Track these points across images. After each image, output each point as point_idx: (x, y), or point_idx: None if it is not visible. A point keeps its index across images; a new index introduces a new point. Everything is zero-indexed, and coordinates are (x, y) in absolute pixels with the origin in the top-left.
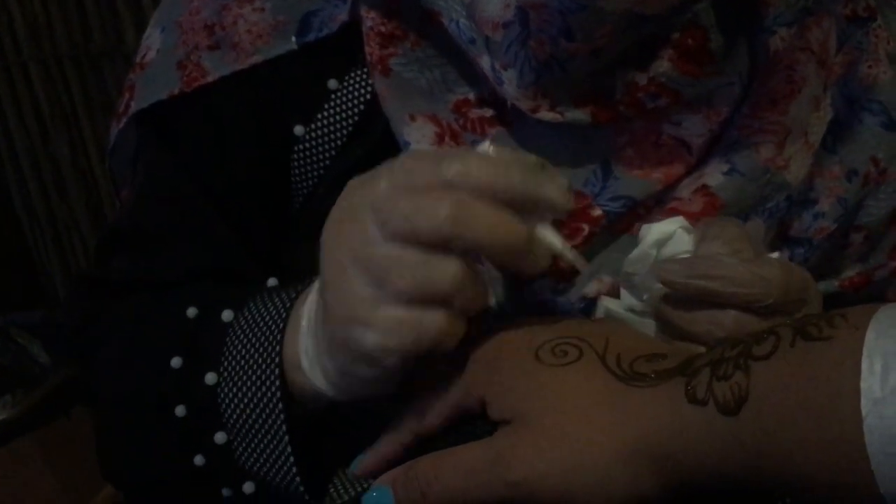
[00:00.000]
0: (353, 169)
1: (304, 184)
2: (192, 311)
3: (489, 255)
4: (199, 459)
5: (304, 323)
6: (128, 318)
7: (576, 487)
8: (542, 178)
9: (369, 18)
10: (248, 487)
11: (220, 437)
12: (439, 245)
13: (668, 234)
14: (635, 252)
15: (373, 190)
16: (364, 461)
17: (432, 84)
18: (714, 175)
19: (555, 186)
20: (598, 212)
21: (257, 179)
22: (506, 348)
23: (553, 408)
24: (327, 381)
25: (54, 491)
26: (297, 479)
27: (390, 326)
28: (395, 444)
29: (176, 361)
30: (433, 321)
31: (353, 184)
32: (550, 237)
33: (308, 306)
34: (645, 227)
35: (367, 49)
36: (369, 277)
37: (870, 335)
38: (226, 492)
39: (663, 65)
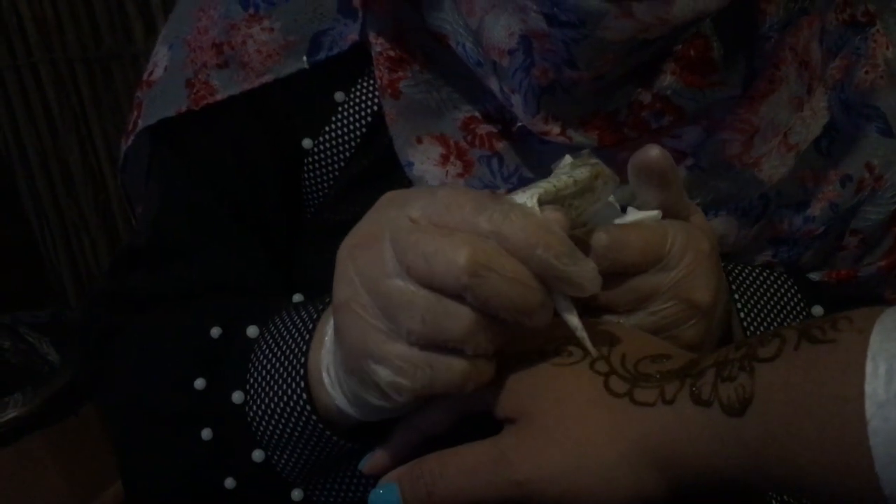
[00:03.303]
0: (361, 179)
1: (315, 195)
2: (216, 331)
3: (498, 313)
4: (229, 482)
5: (327, 339)
6: (149, 333)
7: (579, 487)
8: (577, 257)
9: (378, 44)
10: (296, 495)
11: (257, 455)
12: (454, 292)
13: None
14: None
15: (402, 213)
16: (372, 459)
17: (440, 104)
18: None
19: (587, 269)
20: None
21: (270, 192)
22: (511, 348)
23: (557, 408)
24: (347, 400)
25: (62, 488)
26: (343, 489)
27: (402, 366)
28: (403, 442)
29: (199, 383)
30: (448, 367)
31: (387, 198)
32: (569, 317)
33: (332, 321)
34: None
35: (377, 73)
36: (380, 311)
37: (874, 338)
38: None
39: (667, 78)
